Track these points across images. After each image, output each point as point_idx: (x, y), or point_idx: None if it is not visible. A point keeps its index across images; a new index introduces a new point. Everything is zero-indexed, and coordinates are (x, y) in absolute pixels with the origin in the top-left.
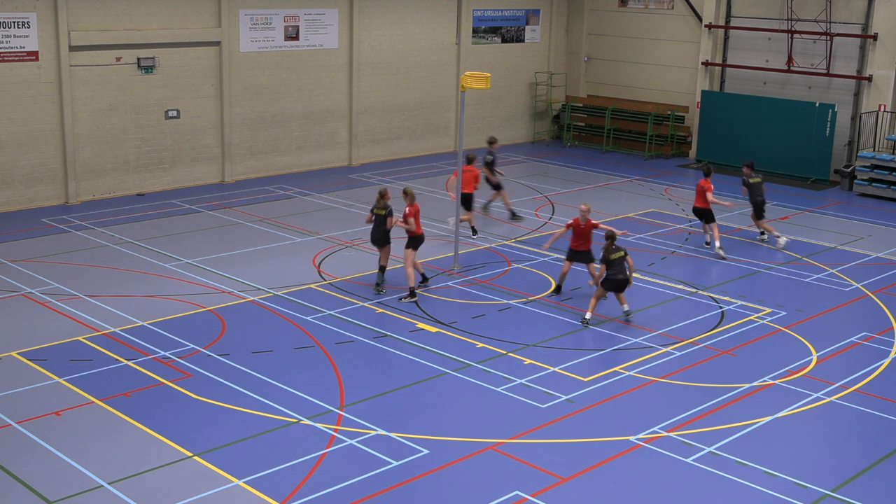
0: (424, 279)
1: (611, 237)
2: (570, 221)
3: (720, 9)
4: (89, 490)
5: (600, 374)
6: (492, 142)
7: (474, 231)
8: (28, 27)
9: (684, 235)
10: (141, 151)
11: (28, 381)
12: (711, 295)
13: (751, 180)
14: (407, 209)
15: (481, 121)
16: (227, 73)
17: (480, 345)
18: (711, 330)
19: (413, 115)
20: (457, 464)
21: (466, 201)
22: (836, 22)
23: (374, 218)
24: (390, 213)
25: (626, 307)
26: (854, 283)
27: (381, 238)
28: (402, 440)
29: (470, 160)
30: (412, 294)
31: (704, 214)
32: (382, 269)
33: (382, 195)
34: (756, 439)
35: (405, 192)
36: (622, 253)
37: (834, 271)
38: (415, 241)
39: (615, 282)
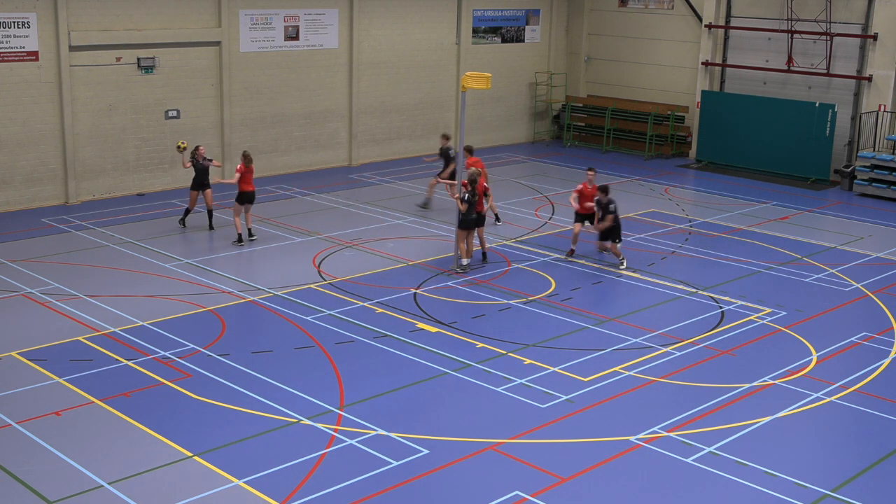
0: (250, 234)
1: (473, 181)
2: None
3: (720, 9)
4: (89, 490)
5: (600, 374)
6: (447, 137)
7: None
8: (28, 27)
9: (684, 235)
10: (141, 151)
11: (28, 381)
12: (711, 295)
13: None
14: (239, 167)
15: (481, 121)
16: (227, 73)
17: (480, 345)
18: (711, 330)
19: (413, 115)
20: (457, 464)
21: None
22: (836, 22)
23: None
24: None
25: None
26: (854, 283)
27: (203, 183)
28: (402, 440)
29: (471, 150)
30: (240, 240)
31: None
32: (210, 211)
33: (196, 148)
34: (756, 439)
35: (243, 155)
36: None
37: (834, 271)
38: (243, 196)
39: (471, 221)
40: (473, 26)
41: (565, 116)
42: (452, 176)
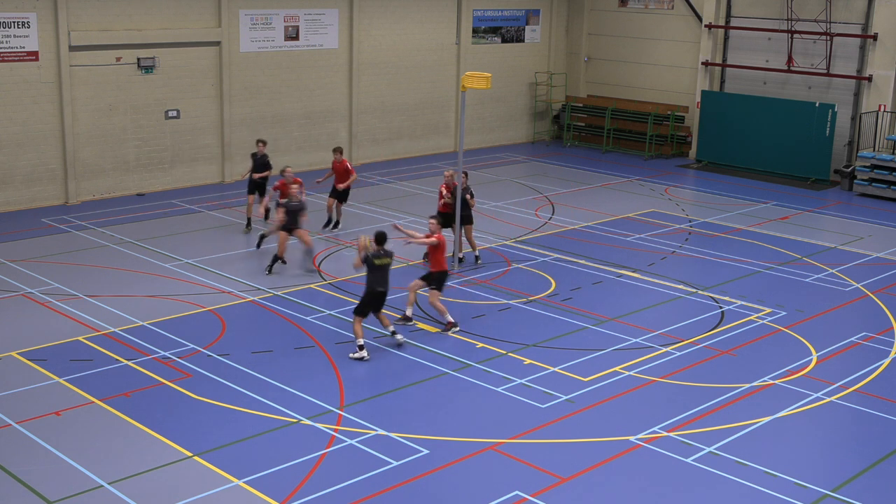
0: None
1: (380, 239)
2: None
3: (720, 9)
4: (89, 490)
5: (600, 374)
6: (263, 143)
7: (336, 224)
8: (28, 27)
9: (684, 235)
10: (141, 151)
11: (28, 381)
12: (711, 295)
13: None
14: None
15: (481, 121)
16: (227, 73)
17: (480, 345)
18: (711, 330)
19: (413, 115)
20: (457, 464)
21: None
22: (836, 22)
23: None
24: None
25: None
26: (854, 283)
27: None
28: (402, 440)
29: (341, 151)
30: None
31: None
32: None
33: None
34: (756, 439)
35: (284, 170)
36: (388, 260)
37: (834, 271)
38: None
39: (376, 294)
40: (473, 26)
41: (565, 116)
42: (260, 188)
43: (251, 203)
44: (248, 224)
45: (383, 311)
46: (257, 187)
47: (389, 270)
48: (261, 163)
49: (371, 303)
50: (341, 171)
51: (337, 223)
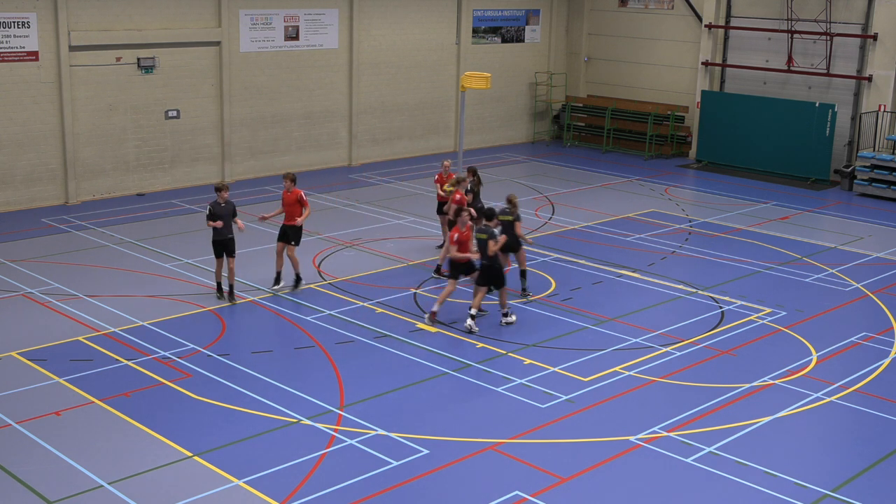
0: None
1: (489, 215)
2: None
3: (720, 9)
4: (89, 490)
5: (600, 374)
6: (220, 188)
7: (298, 279)
8: (28, 27)
9: (684, 235)
10: (141, 151)
11: (28, 381)
12: (711, 295)
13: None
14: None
15: (481, 121)
16: (227, 73)
17: (480, 345)
18: (711, 330)
19: (413, 115)
20: (457, 464)
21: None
22: (836, 22)
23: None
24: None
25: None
26: (854, 283)
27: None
28: (402, 440)
29: (292, 180)
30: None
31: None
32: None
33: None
34: (756, 439)
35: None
36: (484, 237)
37: (834, 271)
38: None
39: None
40: (473, 26)
41: (565, 116)
42: (228, 247)
43: (220, 267)
44: (220, 289)
45: (504, 290)
46: (224, 247)
47: (486, 245)
48: (228, 211)
49: (480, 274)
50: (292, 203)
51: (298, 278)
